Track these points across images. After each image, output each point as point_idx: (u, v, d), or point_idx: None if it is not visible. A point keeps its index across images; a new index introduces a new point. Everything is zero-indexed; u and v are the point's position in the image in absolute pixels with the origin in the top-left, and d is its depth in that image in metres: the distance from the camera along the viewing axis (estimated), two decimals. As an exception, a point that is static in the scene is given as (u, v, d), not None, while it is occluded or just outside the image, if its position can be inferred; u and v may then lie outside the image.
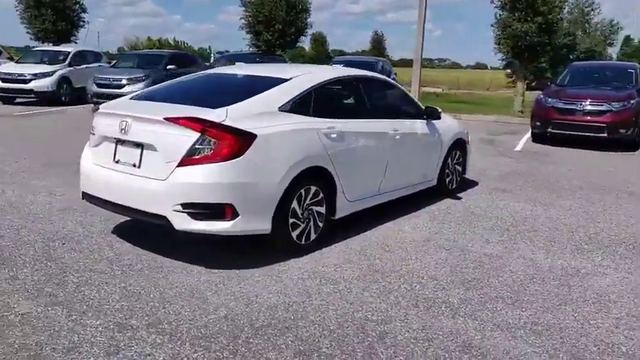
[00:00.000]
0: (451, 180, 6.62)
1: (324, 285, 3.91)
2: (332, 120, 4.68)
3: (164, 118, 3.95)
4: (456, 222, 5.60)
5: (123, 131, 4.13)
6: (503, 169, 8.60)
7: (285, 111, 4.38)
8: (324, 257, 4.44)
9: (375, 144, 5.18)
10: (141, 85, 14.99)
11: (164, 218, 3.93)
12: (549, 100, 11.13)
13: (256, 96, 4.33)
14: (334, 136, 4.62)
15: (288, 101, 4.44)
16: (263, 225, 4.09)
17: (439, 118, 6.14)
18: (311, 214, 4.47)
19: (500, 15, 16.48)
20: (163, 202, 3.92)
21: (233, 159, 3.87)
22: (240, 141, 3.90)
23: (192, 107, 4.12)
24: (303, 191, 4.34)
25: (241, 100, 4.23)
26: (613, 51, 57.57)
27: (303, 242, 4.44)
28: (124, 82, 15.13)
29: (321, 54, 47.68)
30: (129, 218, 5.06)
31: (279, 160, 4.14)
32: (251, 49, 19.65)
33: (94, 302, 3.49)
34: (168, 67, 15.81)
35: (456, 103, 20.80)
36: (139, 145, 4.10)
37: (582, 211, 6.25)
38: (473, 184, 7.32)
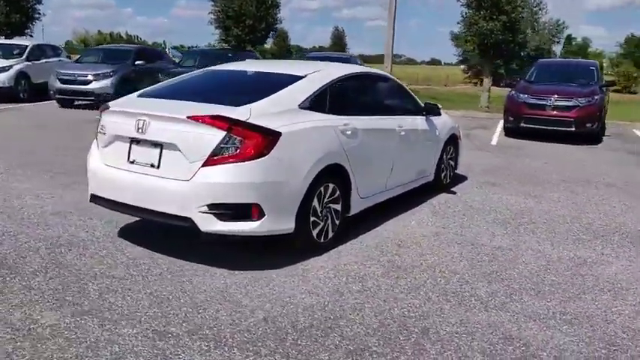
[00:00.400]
0: (445, 175, 6.73)
1: (351, 283, 3.90)
2: (346, 117, 4.67)
3: (187, 117, 3.84)
4: (459, 216, 5.70)
5: (140, 130, 3.99)
6: (485, 162, 8.81)
7: (304, 108, 4.34)
8: (343, 255, 4.43)
9: (384, 141, 5.21)
10: (108, 81, 14.53)
11: (189, 220, 3.82)
12: (521, 95, 11.47)
13: (277, 93, 4.27)
14: (349, 133, 4.61)
15: (307, 98, 4.41)
16: (288, 224, 4.04)
17: (439, 114, 6.22)
18: (329, 212, 4.45)
19: (466, 13, 16.87)
20: (188, 203, 3.81)
21: (259, 158, 3.81)
22: (266, 139, 3.84)
23: (214, 105, 4.02)
24: (322, 189, 4.31)
25: (262, 98, 4.16)
26: (557, 49, 59.85)
27: (322, 240, 4.41)
28: (90, 77, 14.56)
29: (283, 50, 47.41)
30: (132, 220, 4.94)
31: (303, 158, 4.10)
32: (219, 44, 19.34)
33: (124, 310, 3.36)
34: (137, 62, 15.35)
35: (425, 98, 21.14)
36: (158, 145, 3.97)
37: (570, 202, 6.48)
38: (462, 178, 7.46)
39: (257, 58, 16.75)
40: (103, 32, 51.17)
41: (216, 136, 3.77)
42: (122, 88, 14.91)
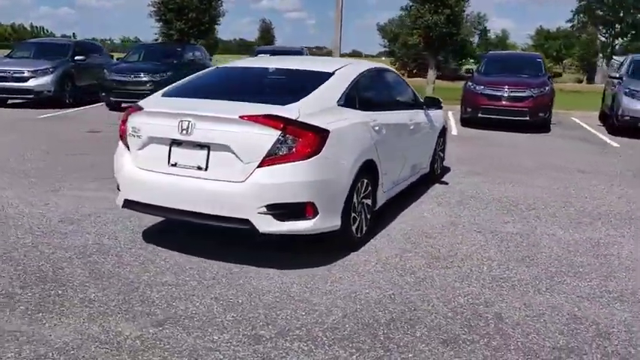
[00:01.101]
0: (437, 166, 6.97)
1: (404, 275, 4.00)
2: (372, 113, 4.75)
3: (240, 117, 3.77)
4: (463, 206, 5.94)
5: (184, 132, 3.86)
6: (456, 153, 9.11)
7: (341, 105, 4.38)
8: (379, 249, 4.52)
9: (400, 135, 5.34)
10: (48, 78, 13.70)
11: (246, 222, 3.77)
12: (477, 87, 12.00)
13: (317, 91, 4.27)
14: (377, 128, 4.70)
15: (342, 95, 4.45)
16: (336, 221, 4.07)
17: (441, 107, 6.43)
18: (362, 208, 4.52)
19: (411, 6, 17.37)
20: (245, 205, 3.76)
21: (313, 156, 3.81)
22: (318, 138, 3.84)
23: (262, 105, 3.97)
24: (359, 185, 4.38)
25: (302, 96, 4.15)
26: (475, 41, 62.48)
27: (359, 236, 4.48)
28: (26, 74, 13.66)
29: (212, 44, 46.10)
30: (147, 224, 4.84)
31: (347, 155, 4.15)
32: (161, 38, 18.67)
33: (201, 316, 3.28)
34: (76, 57, 14.55)
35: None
36: (205, 147, 3.87)
37: (554, 188, 6.90)
38: (445, 169, 7.75)
39: (204, 53, 16.42)
40: (3, 24, 47.20)
41: (271, 135, 3.73)
42: (62, 86, 14.17)
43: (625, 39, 67.48)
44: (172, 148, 3.98)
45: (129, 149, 4.20)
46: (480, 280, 3.97)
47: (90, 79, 14.76)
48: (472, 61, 46.47)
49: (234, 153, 3.78)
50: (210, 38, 20.09)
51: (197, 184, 3.88)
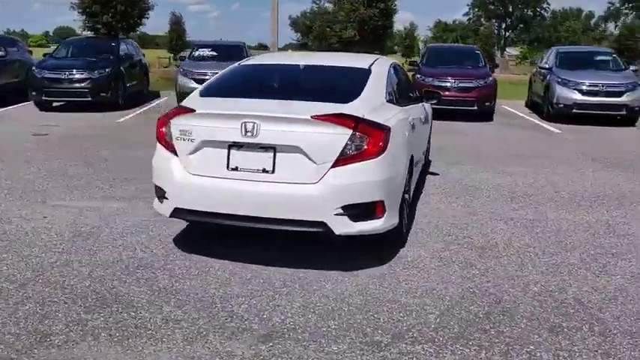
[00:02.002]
0: (426, 156, 7.12)
1: (466, 268, 4.05)
2: (404, 108, 4.76)
3: (312, 117, 3.61)
4: (467, 195, 6.11)
5: (249, 134, 3.64)
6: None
7: (387, 102, 4.34)
8: (422, 244, 4.52)
9: (419, 128, 5.38)
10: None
11: (322, 224, 3.63)
12: (427, 79, 12.36)
13: (367, 89, 4.19)
14: (412, 123, 4.72)
15: (386, 92, 4.40)
16: (395, 219, 4.04)
17: (440, 100, 6.55)
18: (405, 203, 4.52)
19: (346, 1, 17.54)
20: (321, 207, 3.62)
21: (381, 154, 3.74)
22: (385, 135, 3.78)
23: (324, 103, 3.83)
24: (406, 180, 4.37)
25: (354, 94, 4.07)
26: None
27: (404, 231, 4.48)
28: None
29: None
30: (172, 232, 4.56)
31: (402, 152, 4.13)
32: (85, 32, 17.34)
33: (304, 327, 3.13)
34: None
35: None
36: (270, 148, 3.67)
37: (538, 175, 7.20)
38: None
39: (138, 48, 15.55)
40: None
41: (343, 135, 3.62)
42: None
43: (515, 31, 72.67)
44: (231, 151, 3.74)
45: (176, 154, 3.89)
46: (537, 267, 4.12)
47: (9, 77, 13.49)
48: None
49: (305, 154, 3.62)
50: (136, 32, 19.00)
51: (263, 187, 3.69)
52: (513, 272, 4.00)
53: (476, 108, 12.15)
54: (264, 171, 3.69)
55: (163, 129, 3.98)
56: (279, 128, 3.64)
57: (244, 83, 4.59)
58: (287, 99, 4.00)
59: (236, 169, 3.74)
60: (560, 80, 12.35)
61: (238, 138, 3.68)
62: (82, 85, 12.12)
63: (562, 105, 12.15)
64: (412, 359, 2.84)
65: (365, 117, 3.75)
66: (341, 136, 3.62)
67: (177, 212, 3.89)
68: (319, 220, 3.63)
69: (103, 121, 11.16)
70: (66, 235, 4.56)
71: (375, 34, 17.37)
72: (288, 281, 3.74)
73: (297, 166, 3.65)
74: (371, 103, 4.03)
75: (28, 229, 4.67)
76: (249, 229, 3.93)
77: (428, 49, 14.66)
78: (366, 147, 3.67)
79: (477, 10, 69.95)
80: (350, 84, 4.28)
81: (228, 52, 14.67)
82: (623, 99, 11.90)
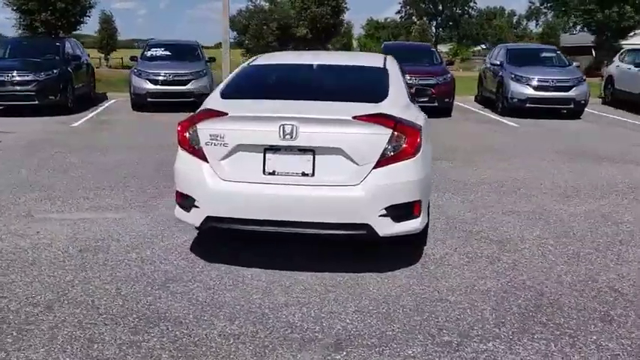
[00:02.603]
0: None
1: (495, 263, 4.11)
2: (417, 106, 4.76)
3: (354, 117, 3.54)
4: (462, 190, 6.22)
5: (288, 136, 3.52)
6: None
7: (410, 101, 4.33)
8: (441, 240, 4.56)
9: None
10: None
11: (366, 227, 3.57)
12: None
13: (393, 89, 4.16)
14: (426, 121, 4.73)
15: (407, 91, 4.39)
16: (427, 218, 4.04)
17: (428, 97, 6.60)
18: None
19: (297, -1, 17.45)
20: (364, 209, 3.55)
21: (417, 154, 3.73)
22: (420, 135, 3.76)
23: (357, 103, 3.79)
24: None
25: (381, 94, 4.03)
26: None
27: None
28: None
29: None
30: (187, 240, 4.39)
31: (429, 151, 4.13)
32: (20, 31, 16.17)
33: (370, 333, 3.06)
34: None
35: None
36: (309, 151, 3.57)
37: (520, 169, 7.34)
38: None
39: (82, 48, 14.78)
40: None
41: (384, 135, 3.58)
42: None
43: (445, 29, 75.02)
44: (267, 155, 3.61)
45: (206, 160, 3.69)
46: (559, 258, 4.24)
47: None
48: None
49: (346, 155, 3.55)
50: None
51: (303, 191, 3.58)
52: (540, 264, 4.11)
53: (436, 104, 12.38)
54: (304, 174, 3.59)
55: (187, 134, 3.78)
56: (319, 130, 3.55)
57: (265, 84, 4.44)
58: (315, 99, 3.89)
59: (273, 173, 3.61)
60: (513, 76, 12.86)
61: (276, 141, 3.55)
62: (28, 87, 11.37)
63: (516, 100, 12.67)
64: (489, 357, 2.85)
65: (401, 117, 3.72)
66: (382, 136, 3.57)
67: (209, 221, 3.70)
68: (364, 222, 3.56)
69: (57, 126, 10.55)
70: (71, 250, 4.25)
71: (327, 32, 17.41)
72: (329, 286, 3.65)
73: (338, 168, 3.57)
74: (399, 102, 4.01)
75: (25, 247, 4.31)
76: (270, 234, 3.83)
77: (385, 47, 14.82)
78: (404, 147, 3.64)
79: (408, 8, 71.65)
80: (373, 83, 4.24)
81: (182, 51, 14.28)
82: (571, 93, 12.59)
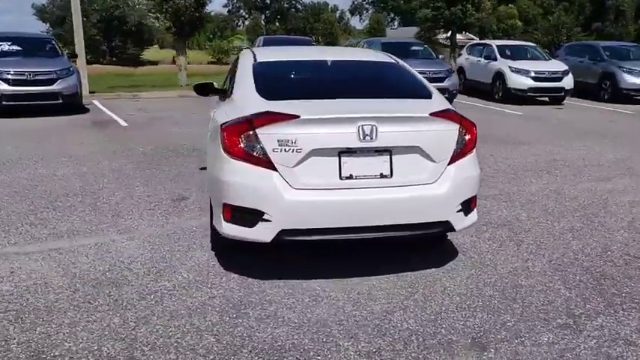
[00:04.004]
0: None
1: (524, 244, 4.38)
2: None
3: (431, 114, 3.48)
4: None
5: (368, 137, 3.33)
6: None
7: None
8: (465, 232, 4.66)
9: None
10: None
11: (446, 224, 3.55)
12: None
13: (426, 83, 4.14)
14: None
15: (431, 87, 4.43)
16: None
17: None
18: None
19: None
20: (445, 206, 3.52)
21: (474, 148, 3.79)
22: (476, 130, 3.81)
23: (412, 100, 3.79)
24: None
25: (422, 89, 4.04)
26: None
27: None
28: None
29: None
30: (218, 257, 3.98)
31: None
32: None
33: (482, 330, 3.08)
34: None
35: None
36: (386, 151, 3.43)
37: (529, 154, 7.89)
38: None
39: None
40: None
41: (454, 131, 3.58)
42: None
43: (274, 23, 76.22)
44: (343, 159, 3.38)
45: (274, 168, 3.34)
46: (563, 234, 4.68)
47: None
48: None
49: (424, 153, 3.48)
50: None
51: (383, 194, 3.43)
52: (555, 241, 4.48)
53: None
54: (382, 176, 3.44)
55: (241, 141, 3.38)
56: (397, 129, 3.43)
57: (298, 83, 4.13)
58: (370, 97, 3.78)
59: (350, 177, 3.40)
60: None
61: (354, 143, 3.35)
62: None
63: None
64: (612, 332, 3.04)
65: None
66: (453, 132, 3.58)
67: (284, 234, 3.35)
68: (444, 219, 3.54)
69: None
70: (81, 287, 3.54)
71: (191, 25, 16.55)
72: (405, 287, 3.57)
73: (416, 167, 3.49)
74: (442, 98, 4.04)
75: (20, 290, 3.49)
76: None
77: (264, 41, 14.62)
78: (467, 142, 3.68)
79: (236, 1, 71.29)
80: (407, 79, 4.22)
81: (35, 45, 12.55)
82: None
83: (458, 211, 3.60)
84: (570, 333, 3.02)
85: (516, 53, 15.54)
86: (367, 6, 61.80)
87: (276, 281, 3.62)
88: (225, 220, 3.52)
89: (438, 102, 3.80)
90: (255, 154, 3.36)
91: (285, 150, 3.31)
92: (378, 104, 3.65)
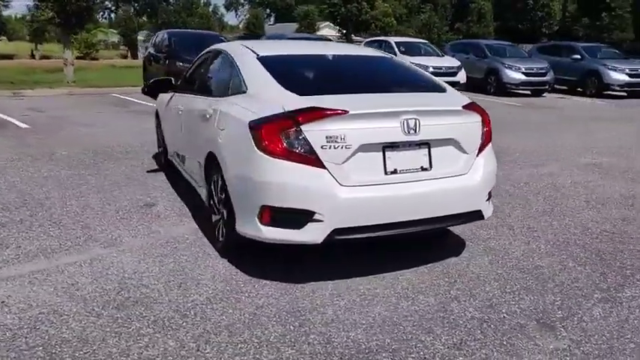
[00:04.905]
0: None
1: (552, 228, 4.65)
2: None
3: (463, 107, 3.55)
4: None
5: (411, 131, 3.32)
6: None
7: None
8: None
9: None
10: None
11: (477, 213, 3.65)
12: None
13: (436, 78, 4.21)
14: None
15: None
16: None
17: None
18: None
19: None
20: (477, 196, 3.62)
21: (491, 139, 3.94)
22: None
23: (434, 93, 3.84)
24: None
25: (433, 82, 4.10)
26: None
27: None
28: None
29: None
30: (229, 263, 3.78)
31: None
32: None
33: (547, 313, 3.24)
34: None
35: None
36: (425, 144, 3.44)
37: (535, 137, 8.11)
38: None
39: None
40: None
41: (479, 123, 3.69)
42: None
43: (144, 17, 72.60)
44: (387, 153, 3.33)
45: (323, 166, 3.19)
46: (571, 212, 5.08)
47: None
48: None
49: (457, 145, 3.55)
50: None
51: (424, 187, 3.43)
52: (550, 221, 4.80)
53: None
54: (423, 169, 3.45)
55: (285, 140, 3.20)
56: (436, 122, 3.46)
57: (319, 77, 3.96)
58: (396, 92, 3.84)
59: (394, 172, 3.37)
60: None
61: (398, 137, 3.33)
62: None
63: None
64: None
65: (475, 105, 3.89)
66: (478, 124, 3.68)
67: (335, 234, 3.22)
68: (477, 209, 3.64)
69: None
70: (98, 309, 3.11)
71: (78, 16, 15.11)
72: (440, 279, 3.63)
73: (451, 159, 3.55)
74: (456, 91, 4.13)
75: (29, 322, 2.98)
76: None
77: (170, 34, 13.80)
78: (487, 133, 3.80)
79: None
80: (418, 74, 4.29)
81: None
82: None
83: (486, 200, 3.74)
84: (613, 306, 3.28)
85: (411, 50, 16.40)
86: (243, 1, 61.21)
87: (316, 283, 3.48)
88: (263, 223, 3.31)
89: (457, 95, 3.90)
90: (300, 151, 3.20)
91: (334, 147, 3.19)
92: (415, 98, 3.69)
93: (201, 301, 3.26)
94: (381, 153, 3.33)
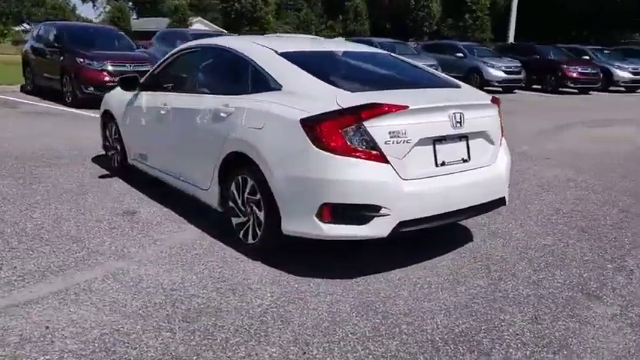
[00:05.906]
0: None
1: (564, 212, 5.03)
2: None
3: (491, 100, 3.80)
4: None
5: (458, 124, 3.48)
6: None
7: None
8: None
9: None
10: None
11: (502, 200, 3.92)
12: (95, 63, 10.95)
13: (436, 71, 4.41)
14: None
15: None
16: None
17: None
18: None
19: None
20: (504, 184, 3.91)
21: None
22: None
23: (451, 89, 4.03)
24: None
25: (445, 77, 4.32)
26: None
27: None
28: None
29: None
30: (289, 261, 3.75)
31: None
32: None
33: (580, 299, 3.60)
34: None
35: None
36: (464, 137, 3.61)
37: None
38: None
39: None
40: None
41: (498, 115, 3.96)
42: None
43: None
44: (437, 147, 3.46)
45: (386, 161, 3.23)
46: (553, 196, 5.53)
47: None
48: None
49: (487, 137, 3.78)
50: None
51: (467, 177, 3.61)
52: (538, 205, 5.21)
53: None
54: (464, 160, 3.64)
55: (347, 136, 3.19)
56: (475, 115, 3.65)
57: (350, 73, 3.97)
58: (424, 87, 3.97)
59: (443, 164, 3.50)
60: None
61: (447, 130, 3.47)
62: None
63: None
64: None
65: (484, 97, 4.15)
66: (497, 116, 3.95)
67: (400, 227, 3.28)
68: (502, 196, 3.90)
69: None
70: (165, 324, 2.88)
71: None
72: (464, 265, 3.83)
73: (483, 150, 3.76)
74: (469, 86, 4.36)
75: (96, 345, 2.66)
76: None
77: (57, 27, 12.49)
78: (501, 125, 4.08)
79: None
80: (427, 71, 4.45)
81: None
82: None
83: (508, 187, 4.04)
84: (628, 273, 3.72)
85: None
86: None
87: (367, 277, 3.51)
88: (324, 221, 3.27)
89: (475, 90, 4.16)
90: (363, 147, 3.21)
91: (396, 142, 3.26)
92: (452, 93, 3.87)
93: (268, 304, 3.15)
94: (431, 146, 3.46)
